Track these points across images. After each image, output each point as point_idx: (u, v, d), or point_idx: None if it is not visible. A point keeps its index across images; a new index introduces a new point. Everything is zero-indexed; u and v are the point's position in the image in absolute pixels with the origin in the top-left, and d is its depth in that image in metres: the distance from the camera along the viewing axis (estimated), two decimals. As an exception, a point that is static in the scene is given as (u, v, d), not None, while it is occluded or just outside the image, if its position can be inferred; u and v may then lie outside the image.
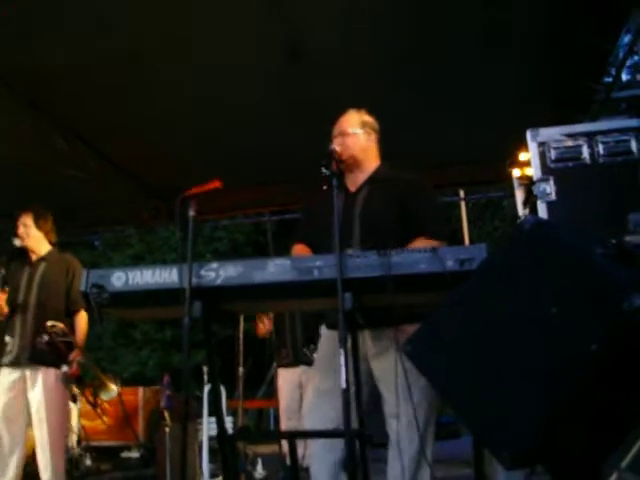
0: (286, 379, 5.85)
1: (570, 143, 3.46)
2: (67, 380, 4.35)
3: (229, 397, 6.44)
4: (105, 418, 5.42)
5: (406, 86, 5.27)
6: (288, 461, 4.39)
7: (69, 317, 4.51)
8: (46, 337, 4.30)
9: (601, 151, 3.43)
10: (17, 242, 4.55)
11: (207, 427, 5.63)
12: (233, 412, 7.12)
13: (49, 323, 4.29)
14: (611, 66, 5.41)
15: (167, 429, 5.12)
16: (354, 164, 3.16)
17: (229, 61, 4.94)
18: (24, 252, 4.63)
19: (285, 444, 5.51)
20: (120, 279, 2.64)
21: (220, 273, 2.57)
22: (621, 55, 5.31)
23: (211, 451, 5.54)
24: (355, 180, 3.18)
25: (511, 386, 1.97)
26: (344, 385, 2.36)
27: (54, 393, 4.34)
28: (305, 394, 5.62)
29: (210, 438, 5.58)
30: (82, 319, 4.55)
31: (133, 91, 5.34)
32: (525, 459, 2.06)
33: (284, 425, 5.79)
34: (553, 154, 3.47)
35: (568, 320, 1.90)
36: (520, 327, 2.00)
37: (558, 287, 1.96)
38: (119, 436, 6.47)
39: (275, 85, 5.27)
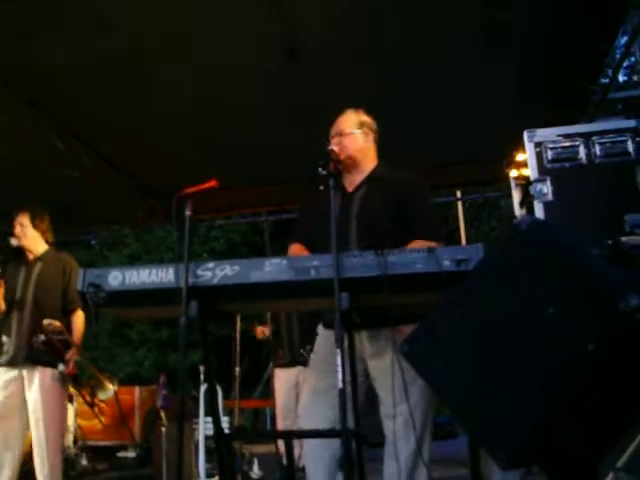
0: (283, 379, 5.85)
1: (567, 144, 3.46)
2: (64, 379, 4.35)
3: (226, 397, 6.45)
4: (102, 418, 5.42)
5: (405, 86, 5.28)
6: (284, 461, 4.39)
7: (66, 316, 4.51)
8: (43, 337, 4.30)
9: (598, 152, 3.43)
10: (14, 241, 4.55)
11: (203, 427, 5.63)
12: (229, 412, 7.13)
13: (45, 321, 4.29)
14: (608, 67, 5.42)
15: (163, 429, 5.12)
16: (352, 164, 3.16)
17: (228, 61, 4.94)
18: (21, 251, 4.62)
19: (281, 444, 5.52)
20: (117, 278, 2.64)
21: (217, 273, 2.57)
22: (618, 56, 5.33)
23: (207, 451, 5.54)
24: (353, 180, 3.18)
25: (508, 386, 1.97)
26: (340, 385, 2.37)
27: (51, 393, 4.34)
28: (301, 394, 5.63)
29: (206, 438, 5.58)
30: (79, 318, 4.54)
31: (132, 91, 5.33)
32: (521, 459, 2.06)
33: (280, 425, 5.79)
34: (550, 155, 3.47)
35: (565, 320, 1.90)
36: (517, 327, 2.00)
37: (555, 287, 1.96)
38: (115, 436, 6.47)
39: (274, 85, 5.26)
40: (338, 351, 2.39)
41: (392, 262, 2.45)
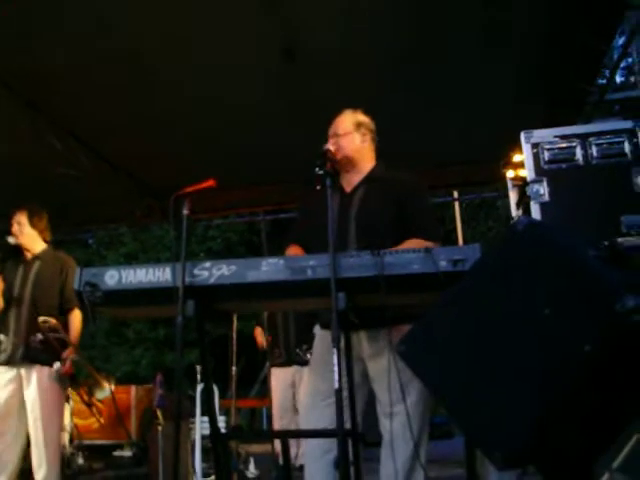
0: (279, 379, 5.85)
1: (564, 145, 3.47)
2: (60, 378, 4.35)
3: (222, 396, 6.44)
4: (100, 419, 5.41)
5: (404, 86, 5.28)
6: (281, 460, 4.39)
7: (63, 315, 4.50)
8: (40, 335, 4.30)
9: (594, 153, 3.44)
10: (11, 240, 4.54)
11: (200, 426, 5.63)
12: (226, 411, 7.12)
13: (41, 319, 4.28)
14: (605, 68, 5.43)
15: (160, 428, 5.12)
16: (349, 164, 3.16)
17: (227, 61, 4.94)
18: (19, 250, 4.61)
19: (278, 443, 5.52)
20: (113, 278, 2.63)
21: (213, 272, 2.57)
22: (615, 57, 5.33)
23: (204, 450, 5.54)
24: (351, 180, 3.17)
25: (504, 386, 1.97)
26: (337, 385, 2.37)
27: (49, 392, 4.34)
28: (298, 394, 5.63)
29: (203, 437, 5.58)
30: (76, 317, 4.54)
31: (130, 90, 5.33)
32: (517, 459, 2.07)
33: (277, 424, 5.79)
34: (547, 155, 3.47)
35: (561, 321, 1.90)
36: (513, 328, 2.00)
37: (551, 288, 1.96)
38: (111, 435, 6.47)
39: (274, 85, 5.26)
40: (335, 351, 2.39)
41: (389, 262, 2.45)
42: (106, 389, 4.85)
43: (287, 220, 8.09)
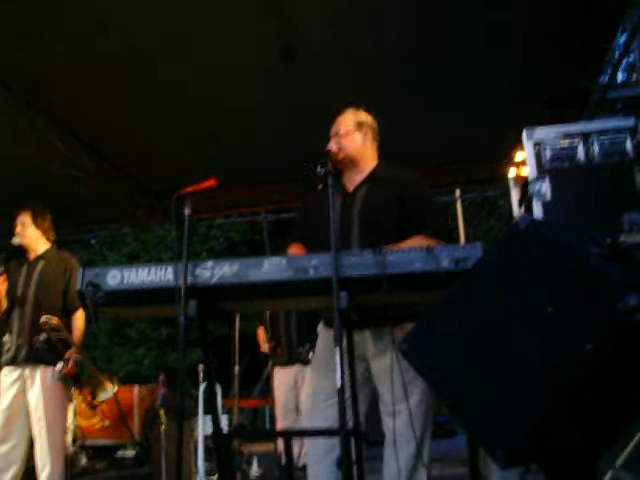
0: (281, 378, 5.85)
1: (566, 143, 3.47)
2: (62, 378, 4.35)
3: (225, 396, 6.45)
4: (106, 422, 5.42)
5: (405, 85, 5.27)
6: (283, 460, 4.39)
7: (67, 316, 4.51)
8: (44, 335, 4.30)
9: (596, 151, 3.43)
10: (16, 241, 4.54)
11: (203, 426, 5.62)
12: (228, 411, 7.13)
13: (43, 318, 4.28)
14: (607, 66, 5.42)
15: (162, 428, 5.12)
16: (351, 164, 3.16)
17: (228, 61, 4.94)
18: (22, 250, 4.62)
19: (281, 443, 5.52)
20: (115, 278, 2.64)
21: (215, 272, 2.57)
22: (617, 55, 5.32)
23: (206, 450, 5.54)
24: (353, 179, 3.17)
25: (506, 385, 1.97)
26: (339, 384, 2.37)
27: (52, 392, 4.34)
28: (301, 393, 5.62)
29: (205, 437, 5.58)
30: (79, 318, 4.54)
31: (132, 91, 5.33)
32: (520, 458, 2.07)
33: (280, 424, 5.79)
34: (548, 154, 3.47)
35: (563, 319, 1.90)
36: (515, 326, 2.00)
37: (553, 286, 1.96)
38: (114, 435, 6.46)
39: (275, 85, 5.26)
40: (337, 350, 2.39)
41: (391, 261, 2.45)
42: (109, 390, 4.85)
43: (289, 219, 8.08)
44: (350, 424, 2.68)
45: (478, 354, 2.06)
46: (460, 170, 6.93)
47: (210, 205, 7.17)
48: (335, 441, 2.77)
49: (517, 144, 4.44)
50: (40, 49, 4.73)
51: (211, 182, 2.89)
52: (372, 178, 3.15)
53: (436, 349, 2.18)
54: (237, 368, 6.28)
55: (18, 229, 4.56)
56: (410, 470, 2.83)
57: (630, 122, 3.45)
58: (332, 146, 3.05)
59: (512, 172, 5.48)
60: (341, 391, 2.36)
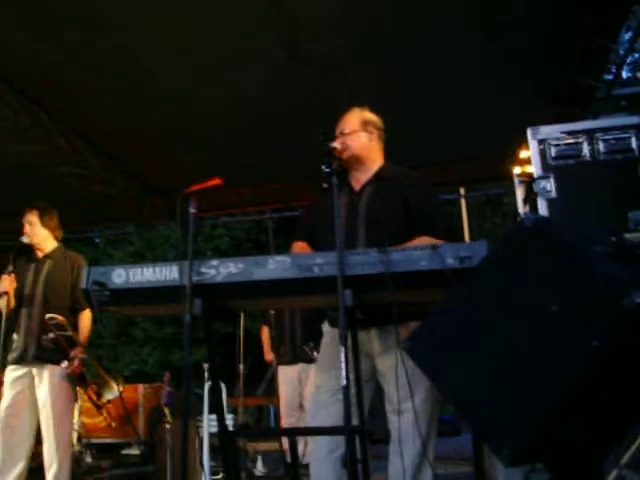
0: (286, 376, 5.86)
1: (570, 141, 3.46)
2: (69, 377, 4.36)
3: (229, 394, 6.45)
4: (113, 423, 5.43)
5: (409, 85, 5.28)
6: (288, 458, 4.39)
7: (73, 315, 4.51)
8: (52, 334, 4.31)
9: (601, 149, 3.42)
10: (24, 239, 4.54)
11: (208, 424, 5.63)
12: (233, 409, 7.13)
13: (48, 316, 4.29)
14: (612, 64, 5.41)
15: (167, 426, 5.12)
16: (356, 163, 3.15)
17: (230, 60, 4.94)
18: (30, 248, 4.62)
19: (285, 441, 5.52)
20: (121, 276, 2.64)
21: (220, 270, 2.57)
22: (622, 52, 5.31)
23: (212, 448, 5.55)
24: (359, 179, 3.17)
25: (511, 383, 1.97)
26: (344, 382, 2.37)
27: (61, 390, 4.35)
28: (305, 391, 5.63)
29: (211, 435, 5.58)
30: (86, 317, 4.55)
31: (135, 90, 5.35)
32: (525, 456, 2.07)
33: (284, 422, 5.80)
34: (553, 152, 3.46)
35: (569, 317, 1.90)
36: (520, 324, 2.00)
37: (558, 284, 1.96)
38: (119, 433, 6.47)
39: (278, 84, 5.27)
40: (342, 348, 2.39)
41: (396, 259, 2.45)
42: (115, 390, 4.85)
43: (294, 218, 8.09)
44: (355, 422, 2.68)
45: (483, 352, 2.06)
46: (465, 169, 6.93)
47: (215, 204, 7.18)
48: (339, 439, 2.77)
49: (521, 142, 4.42)
50: (44, 49, 4.75)
51: (216, 181, 2.89)
52: (378, 178, 3.14)
53: (441, 347, 2.18)
54: (241, 367, 6.28)
55: (26, 229, 4.56)
56: (415, 468, 2.83)
57: (635, 119, 3.44)
58: (337, 145, 3.04)
59: (517, 170, 5.46)
60: (346, 389, 2.36)
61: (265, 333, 6.38)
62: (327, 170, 2.72)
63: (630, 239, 3.04)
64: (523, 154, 5.15)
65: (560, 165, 3.44)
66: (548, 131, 3.49)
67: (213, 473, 5.60)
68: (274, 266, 2.52)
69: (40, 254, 4.62)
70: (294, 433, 3.34)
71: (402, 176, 3.13)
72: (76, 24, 4.50)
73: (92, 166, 6.33)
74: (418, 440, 2.76)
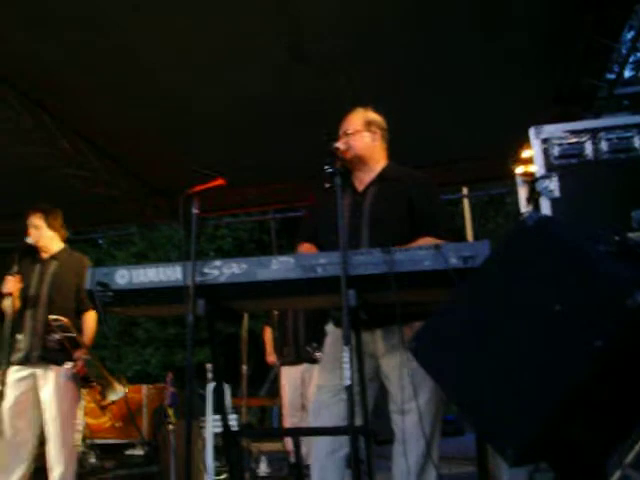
0: (289, 377, 5.86)
1: (573, 140, 3.45)
2: (73, 378, 4.37)
3: (232, 395, 6.45)
4: (117, 424, 5.43)
5: (411, 84, 5.28)
6: (292, 458, 4.38)
7: (78, 316, 4.52)
8: (57, 336, 4.32)
9: (604, 148, 3.42)
10: (29, 240, 4.54)
11: (211, 424, 5.63)
12: (236, 410, 7.13)
13: (52, 317, 4.29)
14: (614, 63, 5.40)
15: (171, 427, 5.13)
16: (360, 163, 3.15)
17: (231, 60, 4.95)
18: (34, 249, 4.62)
19: (289, 441, 5.52)
20: (124, 277, 2.65)
21: (224, 271, 2.57)
22: (624, 52, 5.31)
23: (215, 449, 5.55)
24: (362, 179, 3.17)
25: (515, 383, 1.97)
26: (348, 382, 2.37)
27: (65, 391, 4.36)
28: (308, 392, 5.63)
29: (214, 435, 5.59)
30: (91, 319, 4.55)
31: (136, 90, 5.35)
32: (529, 456, 2.06)
33: (287, 423, 5.80)
34: (556, 151, 3.46)
35: (572, 317, 1.89)
36: (523, 324, 2.00)
37: (561, 284, 1.96)
38: (123, 434, 6.48)
39: (282, 84, 5.27)
40: (346, 348, 2.39)
41: (399, 259, 2.45)
42: (118, 391, 4.86)
43: (297, 218, 8.09)
44: (358, 422, 2.68)
45: (486, 352, 2.06)
46: (467, 169, 6.93)
47: (218, 204, 7.18)
48: (342, 439, 2.77)
49: (524, 142, 4.42)
50: (47, 51, 4.75)
51: (219, 181, 2.90)
52: (382, 178, 3.14)
53: (444, 347, 2.18)
54: (245, 367, 6.29)
55: (33, 233, 4.55)
56: (419, 468, 2.83)
57: (638, 118, 3.44)
58: (340, 145, 3.04)
59: (520, 170, 5.46)
60: (350, 389, 2.36)
61: (268, 334, 6.38)
62: (330, 170, 2.72)
63: (633, 238, 3.04)
64: (526, 153, 5.16)
65: (563, 164, 3.44)
66: (551, 130, 3.49)
67: (217, 473, 5.61)
68: (277, 266, 2.52)
69: (45, 255, 4.62)
70: (298, 433, 3.34)
71: (406, 176, 3.13)
72: (76, 24, 4.49)
73: (95, 168, 6.34)
74: (422, 440, 2.76)
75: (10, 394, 4.35)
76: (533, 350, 1.96)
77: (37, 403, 4.38)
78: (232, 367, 6.77)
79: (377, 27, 4.64)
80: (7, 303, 4.37)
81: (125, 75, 5.10)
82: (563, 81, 5.19)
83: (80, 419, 5.13)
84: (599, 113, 5.52)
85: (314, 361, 5.44)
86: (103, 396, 4.74)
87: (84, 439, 5.42)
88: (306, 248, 3.15)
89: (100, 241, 19.87)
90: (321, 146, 2.89)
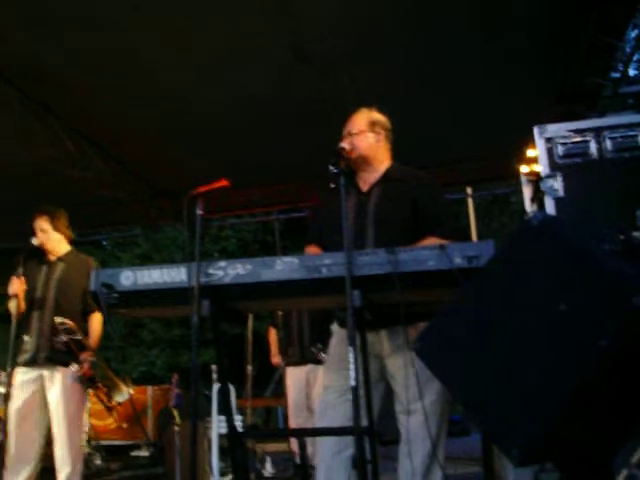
0: (293, 377, 5.86)
1: (577, 139, 3.45)
2: (78, 379, 4.37)
3: (237, 396, 6.46)
4: (123, 425, 5.44)
5: (413, 85, 5.27)
6: (297, 459, 4.38)
7: (84, 318, 4.53)
8: (64, 337, 4.33)
9: (609, 147, 3.42)
10: (34, 241, 4.54)
11: (217, 425, 5.64)
12: (241, 411, 7.14)
13: (58, 320, 4.30)
14: (618, 61, 5.39)
15: (176, 428, 5.13)
16: (364, 163, 3.15)
17: (232, 60, 4.95)
18: (41, 251, 4.62)
19: (294, 442, 5.52)
20: (129, 278, 2.65)
21: (228, 271, 2.57)
22: (628, 50, 5.30)
23: (221, 449, 5.55)
24: (367, 179, 3.17)
25: (520, 383, 1.96)
26: (353, 382, 2.37)
27: (72, 392, 4.37)
28: (313, 393, 5.63)
29: (219, 436, 5.59)
30: (96, 321, 4.56)
31: (141, 93, 5.36)
32: (535, 456, 2.06)
33: (292, 423, 5.80)
34: (560, 150, 3.46)
35: (577, 316, 1.89)
36: (528, 324, 2.00)
37: (566, 283, 1.95)
38: (128, 435, 6.49)
39: (280, 84, 5.27)
40: (350, 349, 2.39)
41: (403, 260, 2.45)
42: (125, 392, 4.86)
43: (300, 219, 8.09)
44: (364, 423, 2.68)
45: (491, 352, 2.05)
46: (471, 168, 6.92)
47: (222, 205, 7.19)
48: (348, 439, 2.77)
49: (528, 141, 4.42)
50: (52, 53, 4.77)
51: (223, 182, 2.90)
52: (386, 178, 3.14)
53: (449, 347, 2.17)
54: (250, 368, 6.29)
55: (40, 236, 4.55)
56: (425, 469, 2.83)
57: (642, 117, 3.44)
58: (344, 145, 3.04)
59: (524, 169, 5.45)
60: (355, 390, 2.36)
61: (272, 335, 6.38)
62: (335, 171, 2.71)
63: (638, 237, 3.03)
64: (530, 153, 5.15)
65: (567, 164, 3.44)
66: (555, 129, 3.49)
67: (222, 474, 5.61)
68: (282, 267, 2.52)
69: (52, 257, 4.63)
70: (303, 434, 3.34)
71: (410, 176, 3.13)
72: (76, 24, 4.50)
73: (99, 169, 6.35)
74: (428, 441, 2.76)
75: (18, 396, 4.36)
76: (538, 350, 1.95)
77: (44, 404, 4.39)
78: (237, 368, 6.78)
79: (377, 27, 4.64)
80: (12, 304, 4.39)
81: (125, 75, 5.09)
82: (566, 80, 5.18)
83: (85, 421, 5.14)
84: (603, 112, 5.51)
85: (319, 362, 5.44)
86: (109, 397, 4.75)
87: (89, 440, 5.43)
88: (311, 251, 3.15)
89: (104, 243, 19.90)
90: (323, 146, 2.89)
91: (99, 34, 4.59)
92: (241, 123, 5.78)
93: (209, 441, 5.53)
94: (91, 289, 2.68)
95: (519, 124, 3.89)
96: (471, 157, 6.61)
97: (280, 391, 6.96)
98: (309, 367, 5.75)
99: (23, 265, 4.46)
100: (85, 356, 4.39)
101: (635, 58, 5.46)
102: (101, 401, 4.76)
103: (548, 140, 3.47)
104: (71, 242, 4.77)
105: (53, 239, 4.59)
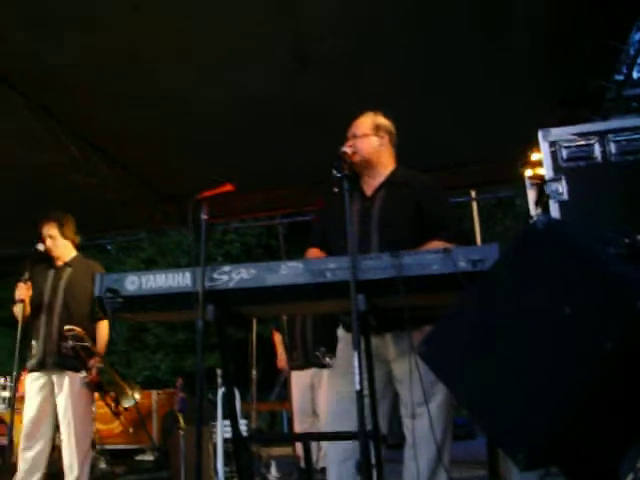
0: (298, 381, 5.85)
1: (582, 142, 3.45)
2: (87, 385, 4.39)
3: (242, 400, 6.46)
4: (130, 428, 5.45)
5: (416, 87, 5.27)
6: (302, 463, 4.37)
7: (92, 324, 4.54)
8: (71, 342, 4.34)
9: (613, 150, 3.42)
10: (40, 246, 4.56)
11: (221, 430, 5.64)
12: (246, 415, 7.14)
13: (66, 327, 4.32)
14: (622, 64, 5.38)
15: (181, 432, 5.14)
16: (368, 167, 3.15)
17: (232, 61, 4.94)
18: (48, 256, 4.64)
19: (299, 446, 5.51)
20: (134, 283, 2.65)
21: (233, 276, 2.58)
22: (632, 53, 5.29)
23: (225, 454, 5.55)
24: (371, 184, 3.17)
25: (525, 386, 1.96)
26: (358, 387, 2.37)
27: (80, 397, 4.39)
28: (317, 396, 5.62)
29: (224, 441, 5.59)
30: (104, 326, 4.58)
31: (143, 96, 5.35)
32: (540, 460, 2.06)
33: (297, 427, 5.79)
34: (565, 153, 3.46)
35: (582, 319, 1.89)
36: (533, 327, 1.99)
37: (571, 287, 1.95)
38: (133, 439, 6.49)
39: (285, 89, 5.27)
40: (355, 353, 2.39)
41: (408, 263, 2.44)
42: (131, 397, 4.87)
43: (304, 223, 8.08)
44: (369, 427, 2.67)
45: (496, 355, 2.05)
46: (475, 172, 6.91)
47: (225, 210, 7.19)
48: (356, 444, 2.76)
49: (532, 144, 4.41)
50: (55, 56, 4.76)
51: (227, 187, 2.91)
52: (390, 182, 3.14)
53: (454, 351, 2.17)
54: (254, 372, 6.29)
55: (48, 243, 4.57)
56: (430, 472, 2.83)
57: (646, 120, 3.44)
58: (347, 149, 3.03)
59: (528, 172, 5.45)
60: (360, 394, 2.36)
61: (278, 338, 6.38)
62: (338, 174, 2.72)
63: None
64: (534, 156, 5.15)
65: (572, 167, 3.44)
66: (559, 133, 3.49)
67: (227, 478, 5.61)
68: (286, 272, 2.52)
69: (59, 262, 4.64)
70: (308, 438, 3.33)
71: (414, 180, 3.12)
72: (76, 24, 4.49)
73: (103, 174, 6.35)
74: (433, 444, 2.75)
75: (32, 403, 4.39)
76: (543, 353, 1.95)
77: (53, 409, 4.41)
78: (242, 372, 6.78)
79: (377, 27, 4.63)
80: (18, 309, 4.40)
81: (125, 75, 5.08)
82: (570, 83, 5.17)
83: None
84: (607, 115, 5.50)
85: (323, 365, 5.44)
86: (117, 403, 4.76)
87: (94, 445, 5.44)
88: (312, 253, 3.15)
89: (109, 247, 19.94)
90: (326, 149, 2.89)
91: (99, 34, 4.59)
92: (241, 123, 5.76)
93: (214, 445, 5.54)
94: (96, 294, 2.68)
95: (522, 127, 3.88)
96: (474, 160, 6.60)
97: (285, 395, 6.95)
98: (313, 371, 5.75)
99: (29, 270, 4.48)
100: (93, 362, 4.41)
101: (639, 61, 5.44)
102: (108, 406, 4.77)
103: (552, 143, 3.47)
104: (77, 247, 4.78)
105: (60, 245, 4.61)
